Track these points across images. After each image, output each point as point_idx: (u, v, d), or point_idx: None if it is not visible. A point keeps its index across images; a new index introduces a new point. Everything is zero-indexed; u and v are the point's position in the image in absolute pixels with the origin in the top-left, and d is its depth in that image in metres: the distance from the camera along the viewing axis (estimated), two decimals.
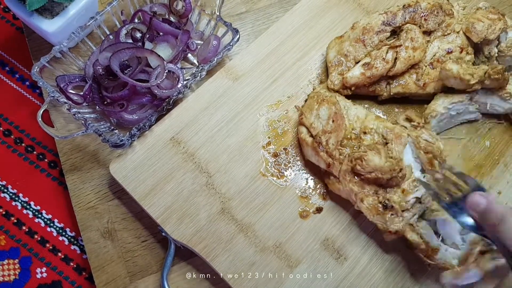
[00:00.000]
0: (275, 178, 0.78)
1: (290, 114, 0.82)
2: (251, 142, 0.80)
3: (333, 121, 0.75)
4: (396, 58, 0.80)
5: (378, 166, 0.70)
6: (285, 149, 0.80)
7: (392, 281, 0.74)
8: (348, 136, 0.75)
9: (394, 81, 0.82)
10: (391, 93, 0.82)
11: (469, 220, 0.61)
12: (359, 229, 0.76)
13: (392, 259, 0.75)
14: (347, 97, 0.83)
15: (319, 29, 0.88)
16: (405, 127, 0.76)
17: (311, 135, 0.77)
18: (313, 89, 0.82)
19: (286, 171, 0.79)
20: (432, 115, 0.79)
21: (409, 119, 0.78)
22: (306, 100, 0.81)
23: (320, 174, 0.79)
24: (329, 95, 0.78)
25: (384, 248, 0.75)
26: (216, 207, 0.75)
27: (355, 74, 0.80)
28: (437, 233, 0.71)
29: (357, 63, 0.81)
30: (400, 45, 0.80)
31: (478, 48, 0.83)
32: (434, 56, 0.82)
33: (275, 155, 0.79)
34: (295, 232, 0.75)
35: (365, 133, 0.75)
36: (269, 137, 0.80)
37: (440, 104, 0.79)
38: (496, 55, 0.82)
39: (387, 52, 0.80)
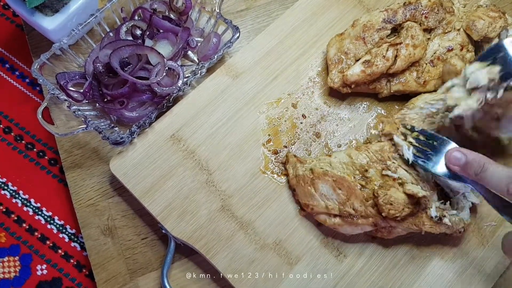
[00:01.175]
0: (275, 176, 0.78)
1: (290, 111, 0.82)
2: (251, 139, 0.80)
3: (340, 188, 0.72)
4: (396, 56, 0.80)
5: (405, 201, 0.69)
6: (285, 146, 0.80)
7: (392, 278, 0.74)
8: (361, 188, 0.71)
9: (395, 78, 0.81)
10: (391, 91, 0.82)
11: (444, 170, 0.66)
12: None
13: (392, 257, 0.75)
14: (348, 94, 0.82)
15: (320, 27, 0.88)
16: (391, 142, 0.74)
17: (335, 215, 0.72)
18: (287, 176, 0.77)
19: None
20: (409, 107, 0.78)
21: (386, 135, 0.75)
22: (294, 190, 0.76)
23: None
24: (307, 169, 0.74)
25: (383, 246, 0.75)
26: (216, 204, 0.75)
27: (355, 71, 0.80)
28: None
29: (357, 60, 0.81)
30: (401, 43, 0.80)
31: (478, 46, 0.83)
32: (434, 53, 0.81)
33: (275, 152, 0.79)
34: (295, 229, 0.75)
35: (366, 170, 0.72)
36: (269, 135, 0.80)
37: (422, 99, 0.79)
38: None
39: (387, 50, 0.80)
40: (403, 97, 0.84)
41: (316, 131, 0.82)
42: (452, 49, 0.81)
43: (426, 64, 0.81)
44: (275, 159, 0.79)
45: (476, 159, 0.61)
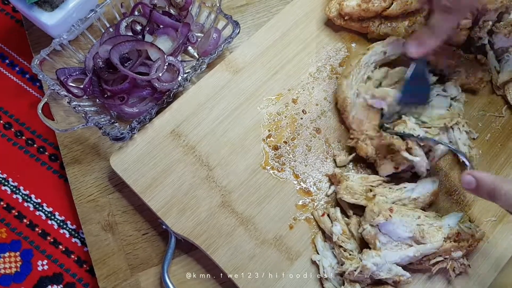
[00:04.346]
0: (275, 171, 0.78)
1: (290, 107, 0.82)
2: (252, 135, 0.80)
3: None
4: (394, 0, 0.83)
5: None
6: (285, 142, 0.80)
7: None
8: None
9: (387, 22, 0.84)
10: (381, 33, 0.85)
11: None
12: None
13: None
14: (340, 28, 0.87)
15: (320, 22, 0.88)
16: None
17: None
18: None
19: (286, 164, 0.79)
20: (365, 52, 0.80)
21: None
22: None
23: None
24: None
25: None
26: (217, 200, 0.75)
27: (351, 4, 0.83)
28: None
29: None
30: None
31: (476, 19, 0.84)
32: None
33: (276, 148, 0.79)
34: (295, 225, 0.75)
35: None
36: (269, 130, 0.80)
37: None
38: (489, 27, 0.83)
39: None
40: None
41: (316, 127, 0.82)
42: None
43: (421, 16, 0.84)
44: (275, 154, 0.79)
45: (487, 181, 0.62)
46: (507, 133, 0.84)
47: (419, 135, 0.73)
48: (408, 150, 0.72)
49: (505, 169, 0.81)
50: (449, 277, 0.72)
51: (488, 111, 0.85)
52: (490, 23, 0.83)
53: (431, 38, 0.70)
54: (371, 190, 0.75)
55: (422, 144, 0.73)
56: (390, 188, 0.75)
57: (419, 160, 0.72)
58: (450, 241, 0.70)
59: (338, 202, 0.77)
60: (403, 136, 0.73)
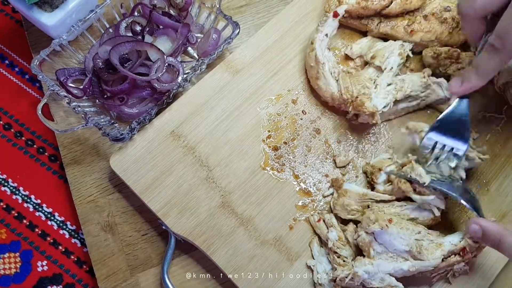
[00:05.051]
0: (275, 172, 0.78)
1: (290, 107, 0.82)
2: (252, 135, 0.80)
3: None
4: None
5: None
6: (285, 142, 0.80)
7: None
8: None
9: (387, 20, 0.84)
10: (380, 31, 0.84)
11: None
12: None
13: None
14: (340, 25, 0.86)
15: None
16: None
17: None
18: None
19: (285, 164, 0.79)
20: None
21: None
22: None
23: None
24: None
25: None
26: (216, 200, 0.75)
27: (351, 1, 0.83)
28: None
29: None
30: None
31: None
32: (431, 10, 0.84)
33: (275, 148, 0.79)
34: (295, 225, 0.75)
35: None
36: (269, 131, 0.80)
37: None
38: None
39: None
40: None
41: (316, 127, 0.82)
42: (449, 10, 0.83)
43: (420, 16, 0.84)
44: (275, 155, 0.79)
45: (493, 231, 0.63)
46: (507, 134, 0.84)
47: (424, 183, 0.70)
48: (418, 192, 0.71)
49: (505, 169, 0.81)
50: (448, 279, 0.72)
51: (488, 112, 0.85)
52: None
53: (476, 78, 0.69)
54: (369, 207, 0.74)
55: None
56: (390, 203, 0.74)
57: (432, 199, 0.70)
58: (455, 256, 0.69)
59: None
60: (410, 180, 0.72)
